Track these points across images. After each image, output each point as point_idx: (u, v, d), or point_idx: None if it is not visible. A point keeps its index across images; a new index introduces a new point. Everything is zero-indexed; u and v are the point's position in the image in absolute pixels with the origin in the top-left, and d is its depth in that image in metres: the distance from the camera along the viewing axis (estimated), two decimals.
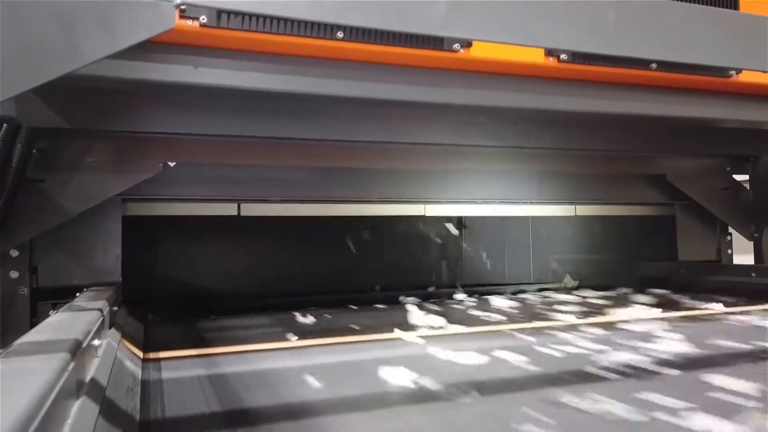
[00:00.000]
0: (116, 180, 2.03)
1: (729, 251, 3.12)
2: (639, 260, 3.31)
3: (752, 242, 2.92)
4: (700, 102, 1.99)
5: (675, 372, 1.30)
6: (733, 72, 1.86)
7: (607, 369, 1.33)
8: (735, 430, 0.91)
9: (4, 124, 1.67)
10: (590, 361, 1.42)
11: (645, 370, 1.31)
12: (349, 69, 1.62)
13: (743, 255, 3.06)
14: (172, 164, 2.13)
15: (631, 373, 1.30)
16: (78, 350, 0.85)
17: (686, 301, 2.55)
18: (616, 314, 2.20)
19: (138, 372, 1.36)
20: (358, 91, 1.65)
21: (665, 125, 2.42)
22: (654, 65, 1.77)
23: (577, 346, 1.59)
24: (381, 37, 1.52)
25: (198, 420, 1.07)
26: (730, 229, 3.10)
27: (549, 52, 1.69)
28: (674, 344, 1.58)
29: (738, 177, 3.04)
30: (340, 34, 1.48)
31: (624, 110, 1.91)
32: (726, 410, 0.99)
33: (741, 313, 2.16)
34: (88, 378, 0.94)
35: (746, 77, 1.90)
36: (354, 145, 2.28)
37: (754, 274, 2.64)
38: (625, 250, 3.39)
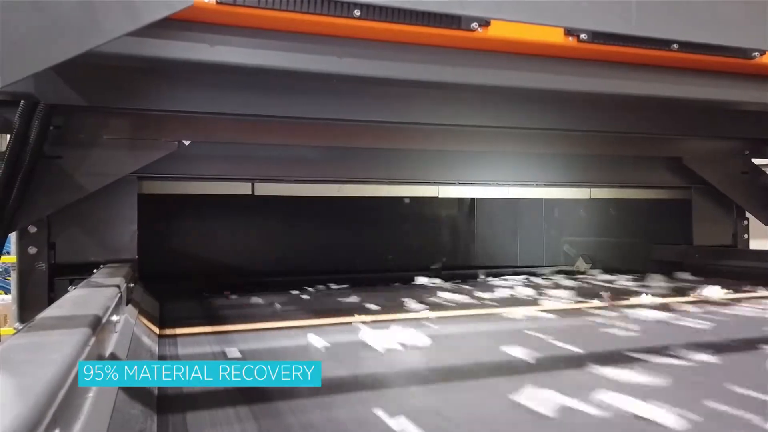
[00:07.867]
0: (132, 157, 2.04)
1: (745, 236, 3.09)
2: (654, 244, 3.28)
3: None
4: (721, 84, 1.95)
5: None
6: (756, 53, 1.82)
7: None
8: None
9: (22, 101, 1.67)
10: None
11: None
12: (366, 48, 1.60)
13: (760, 240, 3.03)
14: (187, 142, 2.14)
15: None
16: (98, 325, 0.86)
17: None
18: None
19: (155, 348, 1.38)
20: (374, 71, 1.64)
21: (684, 107, 2.39)
22: (675, 46, 1.73)
23: None
24: (398, 16, 1.50)
25: (214, 395, 1.08)
26: (747, 214, 3.06)
27: (568, 32, 1.66)
28: None
29: (757, 161, 2.99)
30: (357, 12, 1.46)
31: (643, 91, 1.88)
32: None
33: None
34: (107, 353, 0.95)
35: None
36: (368, 124, 2.27)
37: None
38: (641, 233, 3.36)
